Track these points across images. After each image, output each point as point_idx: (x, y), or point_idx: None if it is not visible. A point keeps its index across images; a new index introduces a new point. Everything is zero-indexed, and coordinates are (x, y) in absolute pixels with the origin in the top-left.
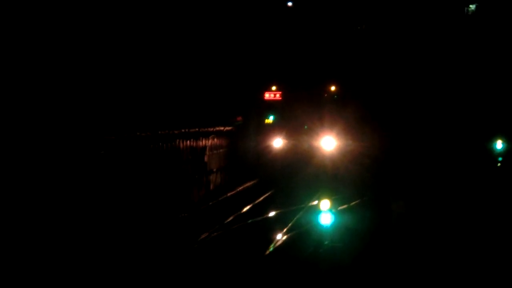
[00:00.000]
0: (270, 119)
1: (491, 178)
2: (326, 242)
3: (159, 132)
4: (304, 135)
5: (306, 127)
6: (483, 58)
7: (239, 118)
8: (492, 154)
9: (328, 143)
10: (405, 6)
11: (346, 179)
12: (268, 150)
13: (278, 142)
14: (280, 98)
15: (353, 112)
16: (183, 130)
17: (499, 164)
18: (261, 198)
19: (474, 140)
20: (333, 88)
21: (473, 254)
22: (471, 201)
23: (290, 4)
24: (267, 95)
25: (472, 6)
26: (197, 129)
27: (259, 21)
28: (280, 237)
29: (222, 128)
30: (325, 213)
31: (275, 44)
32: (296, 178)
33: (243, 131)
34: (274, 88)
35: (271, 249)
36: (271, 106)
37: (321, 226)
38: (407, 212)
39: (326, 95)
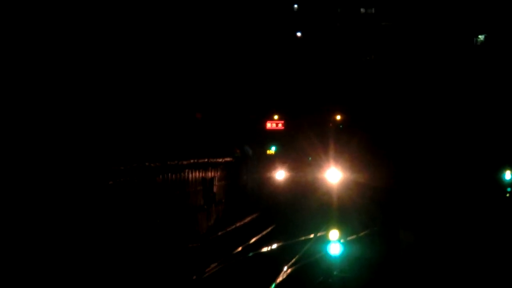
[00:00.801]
0: (272, 150)
1: (500, 209)
2: (335, 273)
3: (168, 162)
4: (308, 166)
5: (310, 158)
6: (492, 88)
7: (238, 150)
8: (501, 185)
9: (333, 175)
10: (415, 36)
11: (352, 213)
12: (270, 182)
13: (280, 174)
14: (283, 128)
15: (360, 142)
16: (192, 161)
17: (508, 195)
18: (265, 232)
19: (483, 170)
20: (338, 117)
21: (483, 285)
22: (481, 231)
23: (299, 34)
24: (269, 125)
25: (481, 37)
26: (206, 160)
27: (262, 48)
28: (288, 267)
29: (228, 159)
30: (334, 243)
31: (276, 71)
32: (300, 212)
33: (243, 162)
34: (276, 117)
35: (279, 279)
36: (273, 136)
37: (330, 256)
38: (416, 243)
39: (331, 124)
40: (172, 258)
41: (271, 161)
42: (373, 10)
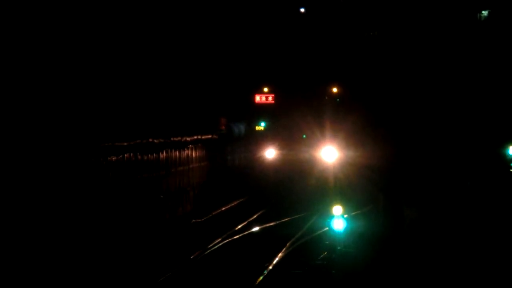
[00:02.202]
0: (262, 126)
1: (503, 183)
2: (338, 248)
3: (142, 141)
4: (302, 145)
5: (304, 136)
6: (495, 64)
7: (223, 126)
8: (504, 159)
9: (330, 154)
10: (417, 12)
11: (350, 195)
12: (260, 162)
13: (271, 153)
14: (273, 102)
15: (359, 118)
16: (164, 140)
17: (511, 170)
18: (252, 219)
19: (486, 145)
20: (334, 90)
21: (486, 261)
22: (484, 207)
23: (302, 10)
24: (258, 98)
25: (485, 12)
26: (180, 138)
27: (250, 16)
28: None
29: (209, 136)
30: (338, 219)
31: (267, 40)
32: (293, 196)
33: (229, 140)
34: (266, 89)
35: (281, 254)
36: (263, 111)
37: (334, 231)
38: (419, 218)
39: (326, 98)
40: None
41: (261, 139)
42: None
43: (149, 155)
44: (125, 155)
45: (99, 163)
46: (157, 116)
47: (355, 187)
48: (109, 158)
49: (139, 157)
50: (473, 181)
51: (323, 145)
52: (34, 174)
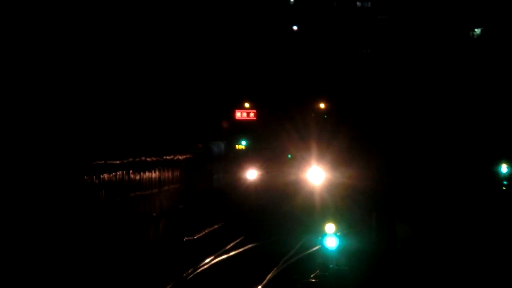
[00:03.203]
0: (242, 145)
1: (496, 201)
2: (331, 266)
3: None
4: (286, 166)
5: (289, 156)
6: (488, 82)
7: (200, 145)
8: (497, 178)
9: (317, 175)
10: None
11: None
12: (240, 183)
13: (252, 174)
14: (255, 118)
15: (348, 135)
16: (130, 160)
17: (504, 188)
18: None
19: (479, 164)
20: (322, 105)
21: (479, 277)
22: (477, 224)
23: (295, 28)
24: (239, 114)
25: (478, 30)
26: (143, 159)
27: (232, 27)
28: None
29: (182, 157)
30: (330, 237)
31: (248, 52)
32: (276, 222)
33: (207, 160)
34: (247, 105)
35: (276, 271)
36: (244, 128)
37: (326, 249)
38: (413, 236)
39: (313, 114)
40: None
41: (242, 159)
42: (369, 4)
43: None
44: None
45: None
46: (117, 132)
47: (343, 213)
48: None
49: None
50: (466, 198)
51: (309, 166)
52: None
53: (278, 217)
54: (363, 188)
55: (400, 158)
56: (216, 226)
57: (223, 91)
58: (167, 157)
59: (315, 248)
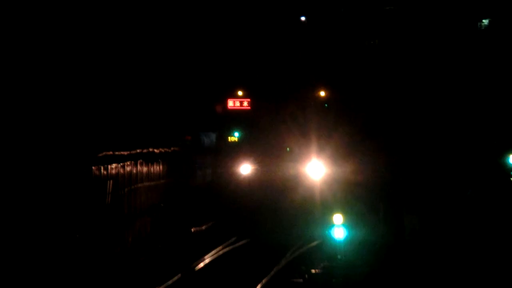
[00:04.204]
0: (235, 136)
1: (505, 193)
2: (339, 257)
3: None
4: (285, 159)
5: (288, 149)
6: (495, 73)
7: (189, 137)
8: (504, 168)
9: (316, 170)
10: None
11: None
12: (231, 179)
13: (246, 169)
14: (249, 107)
15: (352, 125)
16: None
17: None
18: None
19: (487, 154)
20: (322, 93)
21: (487, 270)
22: (484, 215)
23: (303, 18)
24: (231, 103)
25: (485, 21)
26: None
27: (226, 11)
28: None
29: (167, 150)
30: (338, 227)
31: (242, 36)
32: (271, 221)
33: (197, 152)
34: (240, 93)
35: (283, 263)
36: (237, 118)
37: (334, 240)
38: (421, 228)
39: (313, 103)
40: None
41: (235, 152)
42: None
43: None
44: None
45: None
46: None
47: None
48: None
49: None
50: (474, 189)
51: (309, 159)
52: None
53: (274, 218)
54: (368, 182)
55: (407, 149)
56: (204, 226)
57: (215, 77)
58: (143, 150)
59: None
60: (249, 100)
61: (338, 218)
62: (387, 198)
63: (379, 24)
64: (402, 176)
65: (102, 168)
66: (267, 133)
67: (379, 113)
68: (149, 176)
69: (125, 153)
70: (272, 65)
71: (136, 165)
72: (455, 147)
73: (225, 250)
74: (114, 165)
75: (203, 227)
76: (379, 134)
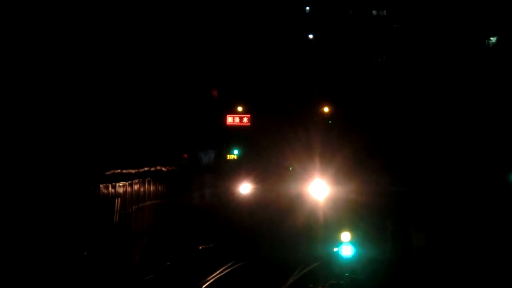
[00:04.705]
0: (234, 154)
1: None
2: (346, 274)
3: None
4: (287, 179)
5: (291, 168)
6: (503, 90)
7: (186, 155)
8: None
9: (320, 190)
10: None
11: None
12: (230, 200)
13: (246, 189)
14: (249, 124)
15: (357, 142)
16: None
17: None
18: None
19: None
20: (326, 109)
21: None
22: (493, 233)
23: (311, 36)
24: (230, 119)
25: (493, 39)
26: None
27: (226, 19)
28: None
29: (162, 169)
30: (346, 245)
31: (242, 50)
32: (273, 244)
33: (192, 172)
34: (240, 109)
35: (291, 281)
36: (236, 135)
37: (342, 257)
38: (428, 245)
39: (316, 119)
40: None
41: (234, 171)
42: (385, 12)
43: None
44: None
45: None
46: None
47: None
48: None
49: None
50: (482, 206)
51: (312, 178)
52: None
53: (275, 242)
54: (375, 200)
55: (414, 166)
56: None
57: (213, 92)
58: (134, 171)
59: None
60: (249, 116)
61: (346, 236)
62: (395, 216)
63: (387, 41)
64: (409, 193)
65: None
66: (268, 150)
67: (386, 130)
68: (157, 193)
69: (132, 171)
70: (273, 79)
71: (141, 183)
72: (461, 164)
73: (229, 269)
74: (122, 183)
75: (209, 246)
76: (386, 151)
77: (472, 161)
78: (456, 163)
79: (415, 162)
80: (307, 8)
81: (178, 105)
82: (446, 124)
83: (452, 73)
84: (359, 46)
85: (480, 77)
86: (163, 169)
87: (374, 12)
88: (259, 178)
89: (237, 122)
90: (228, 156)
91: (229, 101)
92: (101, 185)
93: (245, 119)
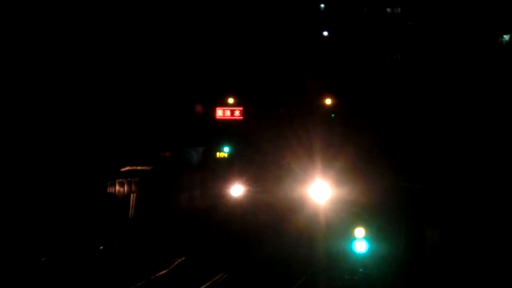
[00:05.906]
0: (225, 152)
1: None
2: (360, 270)
3: None
4: (285, 180)
5: (289, 166)
6: None
7: (168, 153)
8: None
9: (321, 191)
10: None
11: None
12: (219, 203)
13: (237, 190)
14: (242, 117)
15: (366, 139)
16: None
17: None
18: None
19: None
20: (328, 101)
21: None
22: (505, 228)
23: (326, 33)
24: (220, 113)
25: (506, 37)
26: None
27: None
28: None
29: (138, 168)
30: (360, 241)
31: (234, 37)
32: (265, 255)
33: (174, 172)
34: (231, 101)
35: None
36: (227, 130)
37: (355, 253)
38: (442, 242)
39: (317, 112)
40: None
41: (224, 170)
42: (399, 10)
43: None
44: None
45: None
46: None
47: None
48: None
49: None
50: (495, 204)
51: (313, 179)
52: None
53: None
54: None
55: (426, 163)
56: (176, 263)
57: (201, 82)
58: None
59: None
60: (241, 109)
61: (360, 232)
62: (408, 213)
63: (401, 39)
64: (422, 190)
65: None
66: (263, 147)
67: (398, 127)
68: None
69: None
70: (269, 66)
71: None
72: (476, 161)
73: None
74: None
75: (178, 262)
76: (398, 148)
77: (485, 158)
78: (470, 160)
79: (427, 159)
80: (322, 5)
81: (159, 96)
82: (459, 121)
83: (465, 71)
84: (373, 43)
85: (493, 75)
86: (138, 168)
87: (388, 9)
88: (252, 178)
89: (228, 116)
90: (217, 154)
91: (219, 92)
92: None
93: (237, 112)
